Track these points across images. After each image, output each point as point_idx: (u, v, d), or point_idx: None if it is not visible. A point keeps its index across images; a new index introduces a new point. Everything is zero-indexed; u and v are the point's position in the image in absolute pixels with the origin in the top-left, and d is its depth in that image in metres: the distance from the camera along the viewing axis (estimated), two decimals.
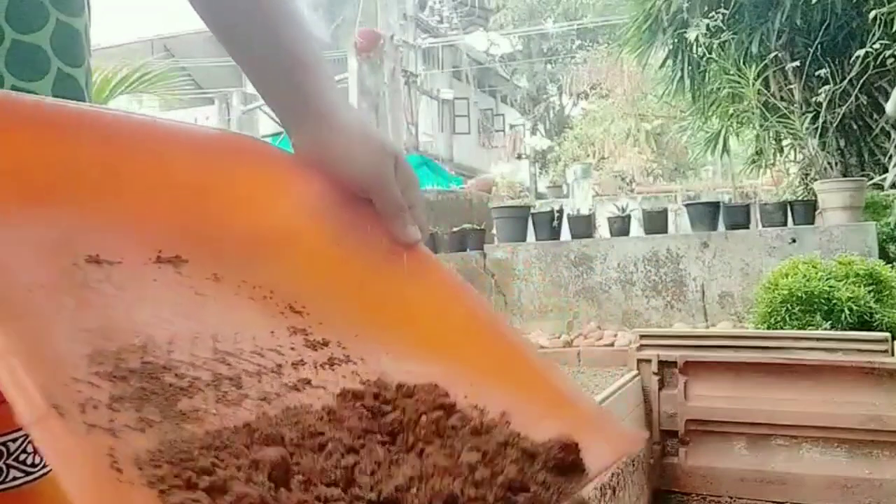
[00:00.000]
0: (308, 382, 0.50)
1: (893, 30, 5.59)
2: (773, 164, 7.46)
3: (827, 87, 5.80)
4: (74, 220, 0.47)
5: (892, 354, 2.64)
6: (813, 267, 3.60)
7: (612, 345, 4.57)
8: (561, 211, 5.53)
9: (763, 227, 4.97)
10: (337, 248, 0.59)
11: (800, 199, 5.25)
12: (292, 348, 0.52)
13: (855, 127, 6.50)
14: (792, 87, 6.38)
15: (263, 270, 0.55)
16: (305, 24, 0.64)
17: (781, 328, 3.34)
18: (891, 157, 6.14)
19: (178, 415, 0.41)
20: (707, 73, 6.94)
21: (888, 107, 5.83)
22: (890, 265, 3.81)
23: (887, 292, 3.52)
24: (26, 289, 0.41)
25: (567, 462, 0.46)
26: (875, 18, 5.58)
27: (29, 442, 0.63)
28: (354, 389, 0.50)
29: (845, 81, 5.97)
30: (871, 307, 3.38)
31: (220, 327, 0.48)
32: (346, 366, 0.53)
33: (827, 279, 3.45)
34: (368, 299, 0.58)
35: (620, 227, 5.31)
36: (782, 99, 6.39)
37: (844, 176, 6.05)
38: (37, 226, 0.44)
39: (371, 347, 0.55)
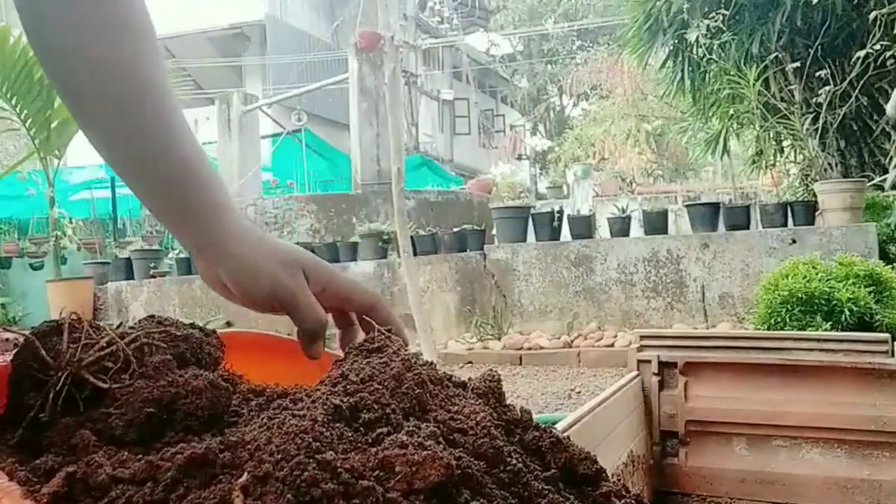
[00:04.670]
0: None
1: (894, 31, 5.59)
2: (774, 165, 7.46)
3: (827, 87, 5.79)
4: None
5: (893, 355, 2.64)
6: (813, 268, 3.60)
7: (612, 345, 4.57)
8: (561, 211, 5.53)
9: (763, 227, 4.96)
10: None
11: (800, 199, 5.24)
12: None
13: (855, 128, 6.50)
14: (792, 87, 6.37)
15: None
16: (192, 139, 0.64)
17: (781, 329, 3.33)
18: (891, 158, 6.14)
19: None
20: (707, 74, 6.94)
21: (888, 108, 5.82)
22: (890, 266, 3.81)
23: (887, 293, 3.51)
24: None
25: None
26: (875, 20, 5.58)
27: None
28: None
29: (845, 82, 5.97)
30: (871, 308, 3.38)
31: None
32: None
33: (827, 280, 3.44)
34: None
35: (621, 227, 5.30)
36: (783, 100, 6.39)
37: (845, 177, 6.05)
38: None
39: None
